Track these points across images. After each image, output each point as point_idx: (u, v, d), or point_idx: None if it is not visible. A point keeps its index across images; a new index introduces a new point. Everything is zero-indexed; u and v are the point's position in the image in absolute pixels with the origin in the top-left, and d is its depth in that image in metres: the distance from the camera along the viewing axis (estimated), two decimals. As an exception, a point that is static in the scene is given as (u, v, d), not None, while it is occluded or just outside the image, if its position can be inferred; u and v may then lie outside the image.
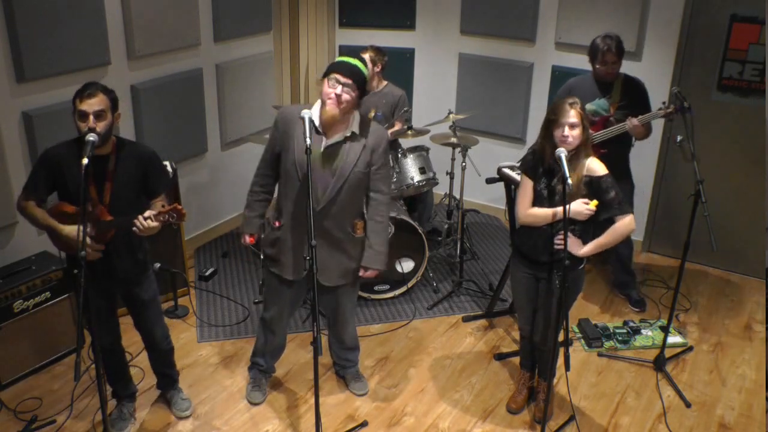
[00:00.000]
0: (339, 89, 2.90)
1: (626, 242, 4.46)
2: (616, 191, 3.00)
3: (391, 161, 4.63)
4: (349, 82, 2.91)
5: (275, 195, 3.28)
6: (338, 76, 2.91)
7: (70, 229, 2.86)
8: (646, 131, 4.10)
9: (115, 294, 3.15)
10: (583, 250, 3.06)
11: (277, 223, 3.16)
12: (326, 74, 2.97)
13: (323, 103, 2.96)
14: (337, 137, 3.01)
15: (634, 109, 4.04)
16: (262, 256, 3.40)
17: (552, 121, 2.99)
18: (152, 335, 3.26)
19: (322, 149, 3.01)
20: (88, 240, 2.73)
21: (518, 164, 3.23)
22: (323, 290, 3.25)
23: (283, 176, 3.10)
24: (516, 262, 3.30)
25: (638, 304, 4.52)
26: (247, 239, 3.26)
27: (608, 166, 4.14)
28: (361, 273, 3.25)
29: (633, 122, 3.97)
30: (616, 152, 4.18)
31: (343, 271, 3.23)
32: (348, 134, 3.02)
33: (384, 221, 3.22)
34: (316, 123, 3.00)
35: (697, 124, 3.88)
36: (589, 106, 4.15)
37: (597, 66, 4.09)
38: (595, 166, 3.03)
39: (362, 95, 2.99)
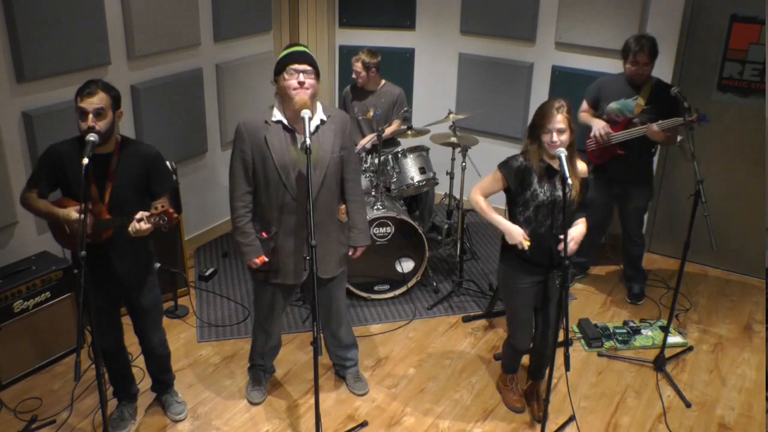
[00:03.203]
0: (300, 76, 2.91)
1: (637, 243, 4.47)
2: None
3: (391, 161, 4.64)
4: (307, 67, 2.92)
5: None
6: (294, 66, 2.92)
7: (65, 212, 2.86)
8: (669, 138, 4.04)
9: (118, 297, 3.14)
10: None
11: (264, 234, 3.13)
12: (279, 70, 2.97)
13: (288, 98, 2.94)
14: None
15: (661, 115, 3.99)
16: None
17: (539, 126, 2.96)
18: (149, 341, 3.26)
19: (299, 146, 3.01)
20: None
21: (499, 164, 3.18)
22: (318, 285, 3.25)
23: (264, 185, 3.06)
24: (515, 273, 3.18)
25: (635, 297, 4.54)
26: (257, 261, 3.12)
27: (627, 170, 4.14)
28: (350, 252, 3.34)
29: (653, 128, 3.94)
30: (637, 156, 4.15)
31: (339, 260, 3.28)
32: (318, 123, 3.03)
33: (361, 199, 3.33)
34: (285, 122, 3.01)
35: (698, 124, 3.88)
36: (613, 105, 4.14)
37: (628, 66, 4.08)
38: (582, 168, 3.07)
39: (318, 77, 3.00)
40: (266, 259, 3.14)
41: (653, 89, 4.09)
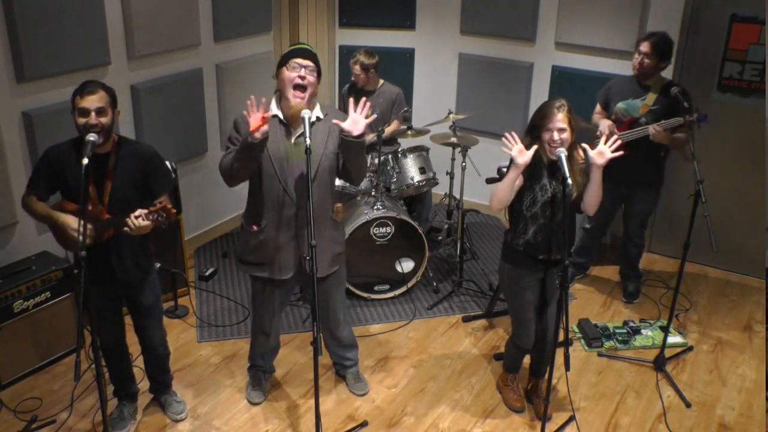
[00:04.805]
0: (302, 71, 2.94)
1: (637, 244, 4.47)
2: None
3: (391, 161, 4.64)
4: (309, 63, 2.96)
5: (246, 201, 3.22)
6: (299, 60, 2.96)
7: (66, 217, 2.87)
8: (676, 141, 3.97)
9: (119, 295, 3.14)
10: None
11: (255, 227, 3.14)
12: (283, 62, 3.00)
13: (284, 98, 2.98)
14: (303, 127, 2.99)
15: (665, 116, 3.95)
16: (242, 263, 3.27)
17: (539, 126, 2.95)
18: (150, 340, 3.26)
19: (292, 141, 3.03)
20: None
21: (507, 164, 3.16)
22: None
23: (258, 178, 3.07)
24: (519, 272, 3.18)
25: (629, 296, 4.55)
26: (256, 120, 2.80)
27: (633, 171, 4.03)
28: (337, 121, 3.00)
29: (655, 128, 3.92)
30: (643, 159, 4.09)
31: (331, 258, 3.24)
32: (314, 120, 3.02)
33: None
34: (281, 116, 3.03)
35: (697, 125, 3.88)
36: (620, 105, 4.16)
37: (634, 56, 4.10)
38: (579, 157, 3.05)
39: (320, 78, 3.04)
40: (264, 116, 2.86)
41: (662, 90, 4.06)
